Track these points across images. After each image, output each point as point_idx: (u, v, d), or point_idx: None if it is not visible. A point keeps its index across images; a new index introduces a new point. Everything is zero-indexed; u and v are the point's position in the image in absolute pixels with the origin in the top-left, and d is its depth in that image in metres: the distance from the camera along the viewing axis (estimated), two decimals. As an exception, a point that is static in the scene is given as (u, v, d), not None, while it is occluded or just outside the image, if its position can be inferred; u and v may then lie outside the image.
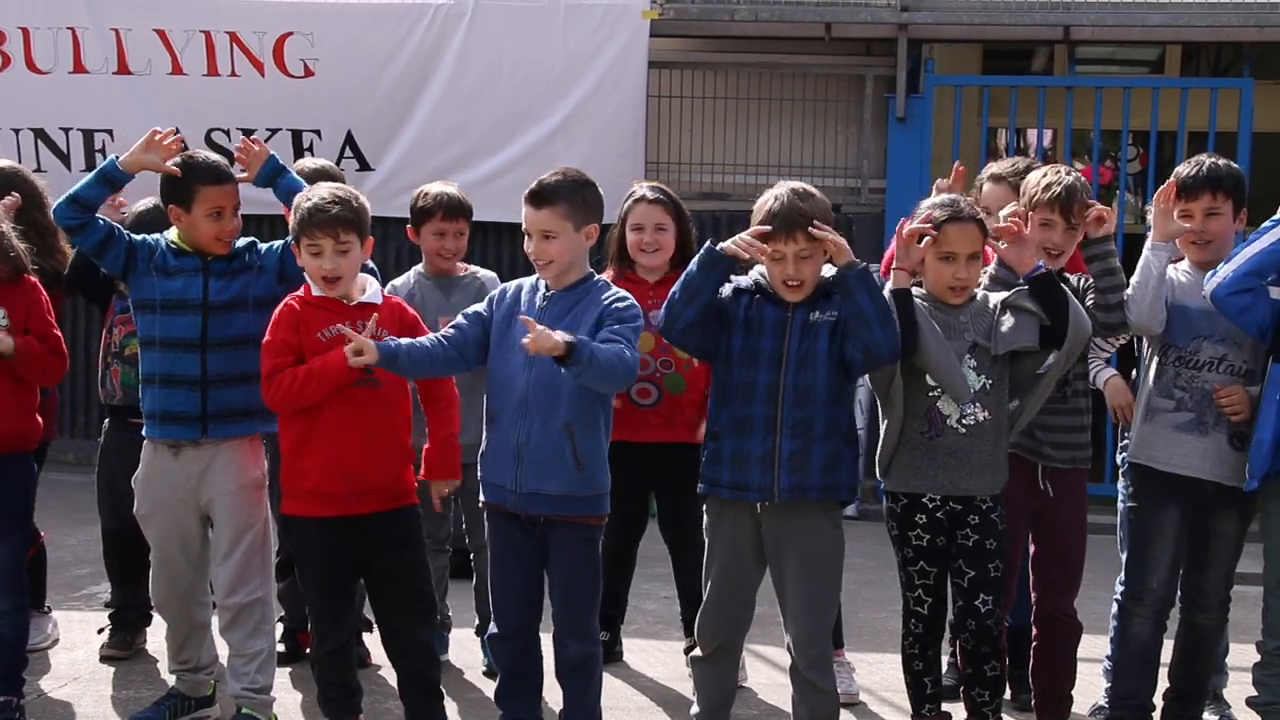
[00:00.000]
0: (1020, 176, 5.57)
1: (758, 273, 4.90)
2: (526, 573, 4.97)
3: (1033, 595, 5.37)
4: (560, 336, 4.61)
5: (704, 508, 5.03)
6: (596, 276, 4.99)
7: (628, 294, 4.94)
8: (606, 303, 4.84)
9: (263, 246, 5.33)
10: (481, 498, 5.04)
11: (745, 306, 4.86)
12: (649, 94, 10.20)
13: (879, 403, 5.12)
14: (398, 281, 6.15)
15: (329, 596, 5.09)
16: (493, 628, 5.05)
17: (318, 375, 4.88)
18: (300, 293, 5.03)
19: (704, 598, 5.06)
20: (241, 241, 5.32)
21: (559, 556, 4.91)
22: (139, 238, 5.29)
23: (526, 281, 5.02)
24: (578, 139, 9.99)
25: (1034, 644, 5.37)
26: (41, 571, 6.29)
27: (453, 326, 5.00)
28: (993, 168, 5.87)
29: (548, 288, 4.91)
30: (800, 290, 4.78)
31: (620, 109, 10.03)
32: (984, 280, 5.12)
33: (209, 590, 5.45)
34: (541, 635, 5.06)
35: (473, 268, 6.22)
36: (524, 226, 4.95)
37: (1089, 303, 5.09)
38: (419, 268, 6.19)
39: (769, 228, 4.75)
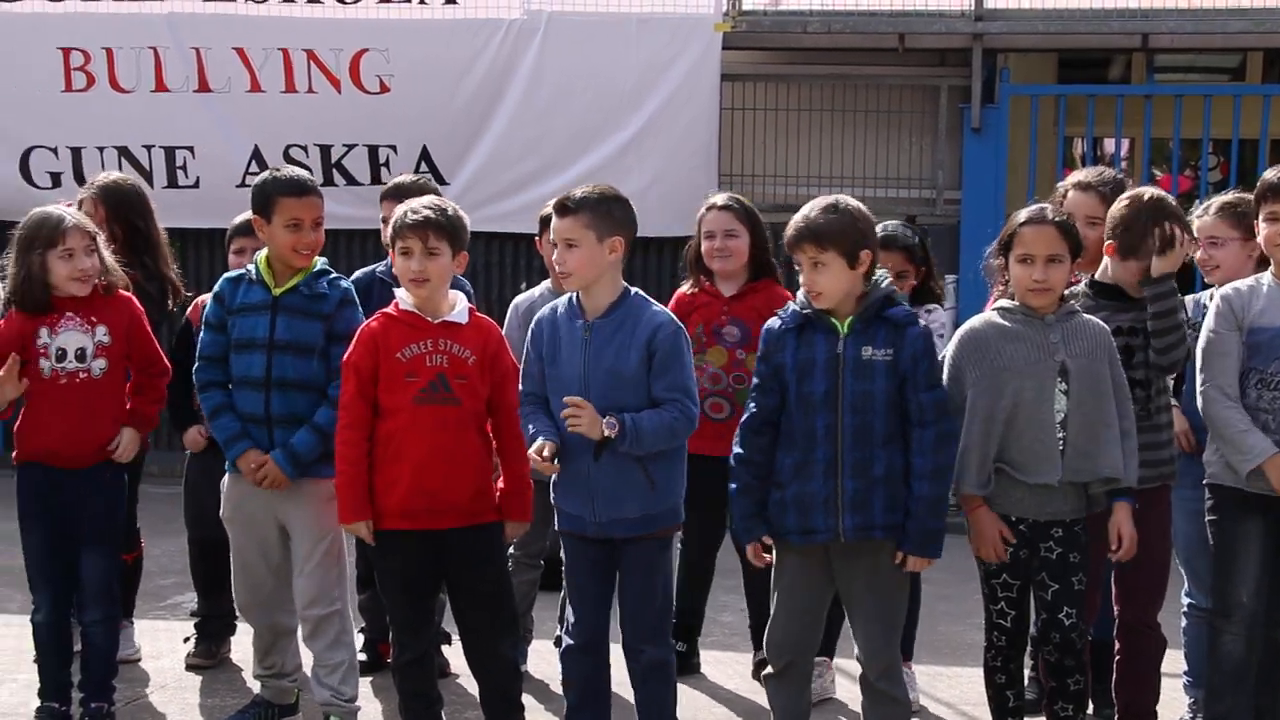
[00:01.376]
0: (1107, 185, 5.52)
1: (801, 294, 4.89)
2: (600, 584, 4.99)
3: (1115, 608, 5.32)
4: (604, 426, 4.68)
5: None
6: (634, 292, 4.98)
7: (673, 316, 4.94)
8: (650, 337, 4.82)
9: (337, 291, 5.34)
10: (557, 524, 5.06)
11: (794, 350, 4.81)
12: (722, 106, 10.21)
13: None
14: (521, 297, 6.18)
15: (410, 608, 5.13)
16: (567, 640, 5.06)
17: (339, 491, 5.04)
18: (389, 309, 5.09)
19: (771, 614, 5.06)
20: (320, 261, 5.37)
21: (632, 563, 4.92)
22: (211, 308, 5.39)
23: (561, 305, 5.01)
24: (650, 152, 10.02)
25: (1117, 657, 5.33)
26: (135, 581, 6.38)
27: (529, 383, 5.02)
28: (1078, 175, 5.82)
29: (584, 313, 4.90)
30: (821, 300, 4.77)
31: (693, 122, 10.05)
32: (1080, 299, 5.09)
33: (292, 598, 5.51)
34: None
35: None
36: (551, 236, 5.01)
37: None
38: (547, 282, 6.20)
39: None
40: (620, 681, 5.08)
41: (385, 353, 5.00)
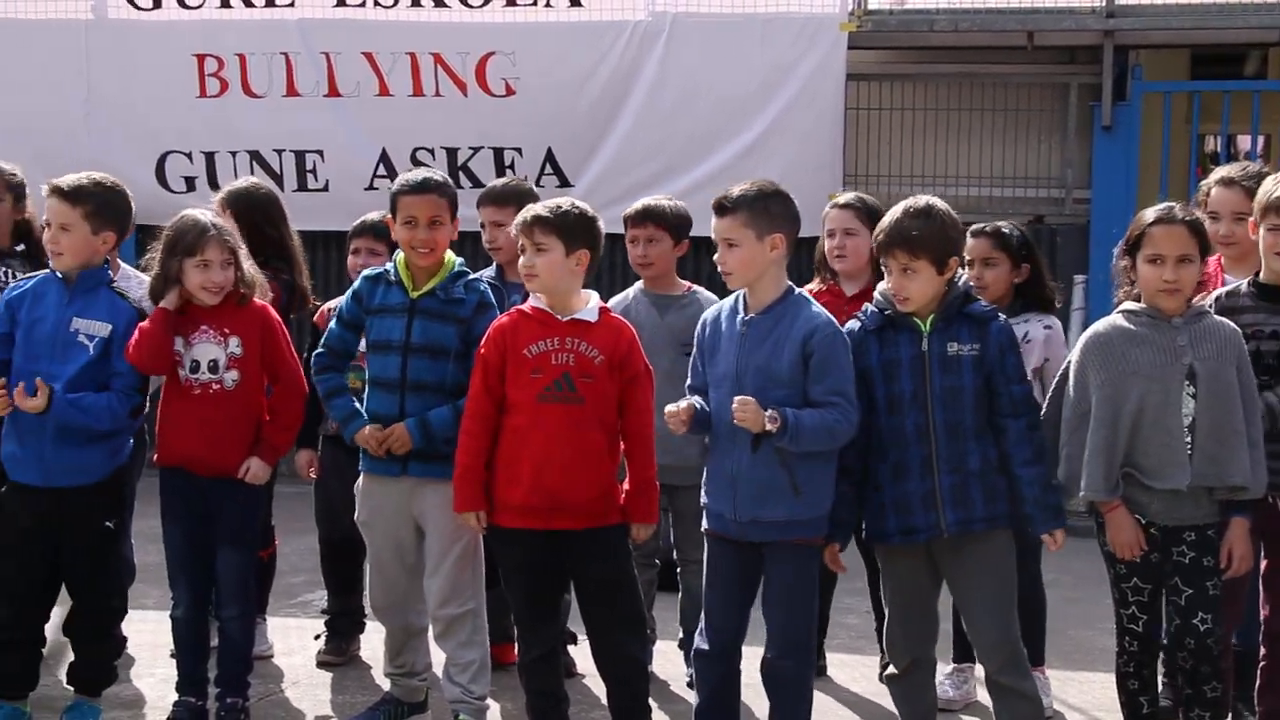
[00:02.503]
0: (1251, 179, 5.40)
1: (879, 295, 4.86)
2: (742, 590, 4.97)
3: (1262, 612, 5.19)
4: (768, 420, 4.65)
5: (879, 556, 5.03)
6: (796, 291, 4.96)
7: (830, 318, 4.90)
8: (808, 336, 4.79)
9: (474, 295, 5.37)
10: (704, 524, 5.05)
11: (878, 351, 4.81)
12: (847, 106, 10.15)
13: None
14: (616, 298, 6.21)
15: (533, 606, 5.16)
16: (700, 643, 5.03)
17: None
18: (524, 305, 5.13)
19: (886, 616, 5.03)
20: (457, 263, 5.41)
21: (777, 575, 4.89)
22: (347, 303, 5.45)
23: (727, 304, 5.03)
24: (775, 153, 9.97)
25: (1261, 663, 5.21)
26: (269, 579, 6.49)
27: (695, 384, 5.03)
28: (1222, 171, 5.69)
29: (746, 309, 4.90)
30: (908, 304, 4.75)
31: (818, 122, 10.00)
32: (1209, 301, 4.99)
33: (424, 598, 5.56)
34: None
35: (696, 289, 6.16)
36: (714, 236, 5.00)
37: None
38: (640, 284, 6.22)
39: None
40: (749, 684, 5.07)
41: (513, 348, 5.03)
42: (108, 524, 5.43)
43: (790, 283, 4.95)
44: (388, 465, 5.32)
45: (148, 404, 5.56)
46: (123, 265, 6.32)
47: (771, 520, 4.81)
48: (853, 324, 4.90)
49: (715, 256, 4.94)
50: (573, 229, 5.03)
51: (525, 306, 5.12)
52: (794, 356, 4.78)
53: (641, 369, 5.09)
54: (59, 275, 5.37)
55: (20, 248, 6.17)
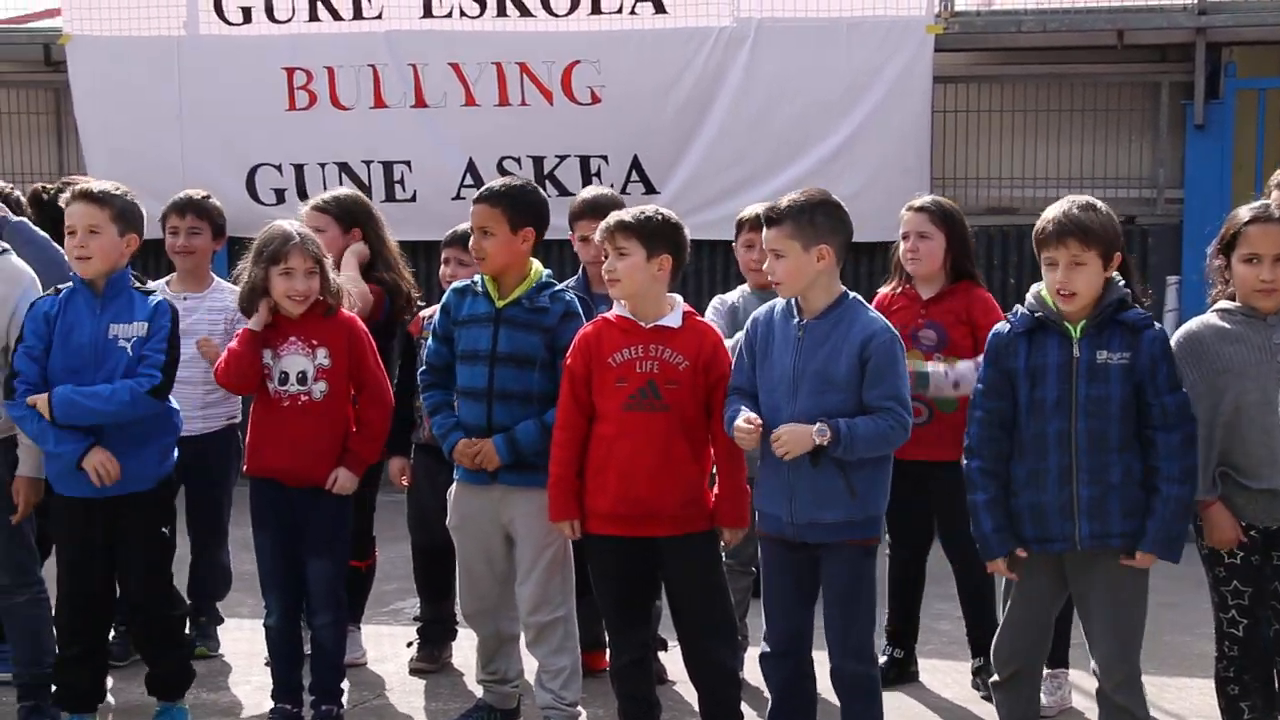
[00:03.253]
0: None
1: (1032, 297, 4.80)
2: (801, 592, 4.96)
3: None
4: (815, 434, 4.64)
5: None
6: (851, 296, 4.94)
7: (887, 324, 4.88)
8: (865, 341, 4.78)
9: (559, 305, 5.37)
10: (758, 526, 5.05)
11: (1026, 355, 4.75)
12: (934, 109, 10.08)
13: None
14: (725, 296, 6.23)
15: (624, 611, 5.18)
16: (764, 645, 5.04)
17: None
18: (608, 314, 5.15)
19: (1000, 620, 4.98)
20: (544, 273, 5.43)
21: (835, 576, 4.89)
22: (439, 319, 5.49)
23: (779, 304, 5.01)
24: (861, 157, 9.92)
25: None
26: (366, 588, 6.54)
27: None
28: None
29: (800, 313, 4.89)
30: (1074, 301, 4.67)
31: (904, 125, 9.93)
32: None
33: (516, 605, 5.58)
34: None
35: (752, 316, 6.15)
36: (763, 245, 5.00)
37: None
38: (747, 285, 6.23)
39: None
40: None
41: (598, 357, 5.06)
42: (163, 530, 5.45)
43: (844, 287, 4.94)
44: (478, 475, 5.36)
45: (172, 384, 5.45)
46: (215, 278, 6.44)
47: (829, 522, 4.80)
48: (1001, 325, 4.87)
49: (765, 265, 4.96)
50: (655, 234, 5.05)
51: (609, 315, 5.14)
52: (851, 361, 4.77)
53: (728, 372, 5.08)
54: (85, 284, 5.34)
55: None
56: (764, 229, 4.93)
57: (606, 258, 5.09)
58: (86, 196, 5.33)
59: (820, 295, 4.87)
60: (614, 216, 5.10)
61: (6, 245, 5.55)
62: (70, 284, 5.38)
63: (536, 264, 5.44)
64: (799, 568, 4.94)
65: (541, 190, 5.57)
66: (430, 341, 5.55)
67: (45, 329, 5.29)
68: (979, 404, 4.82)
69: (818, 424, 4.68)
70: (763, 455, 4.92)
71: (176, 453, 5.55)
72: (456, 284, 5.56)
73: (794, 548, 4.91)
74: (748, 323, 5.09)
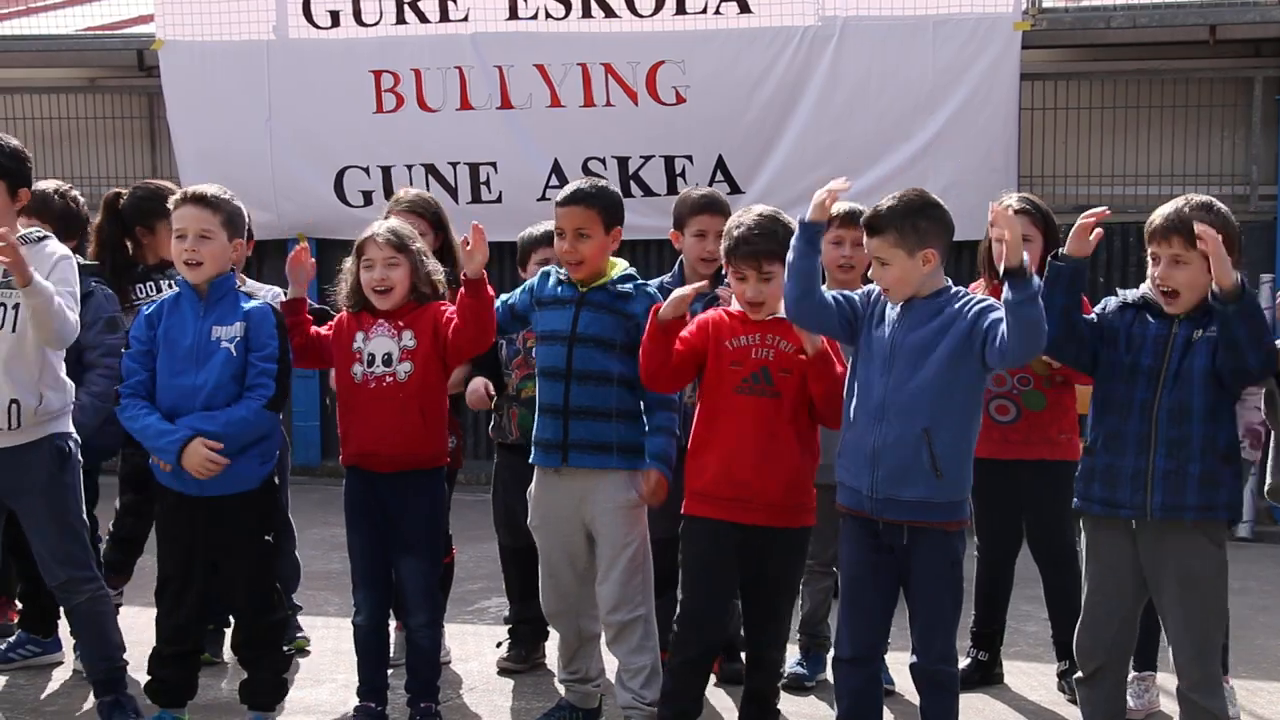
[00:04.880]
0: None
1: (1145, 287, 4.78)
2: (882, 594, 4.92)
3: None
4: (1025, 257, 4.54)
5: (1080, 523, 4.93)
6: (954, 289, 4.92)
7: (995, 303, 4.84)
8: (969, 307, 4.75)
9: (645, 298, 5.37)
10: (838, 499, 5.02)
11: (1129, 323, 4.75)
12: (1021, 106, 9.99)
13: (1270, 421, 4.90)
14: None
15: (705, 599, 5.16)
16: (838, 650, 5.00)
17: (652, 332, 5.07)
18: (724, 308, 5.22)
19: (1081, 616, 4.93)
20: (623, 266, 5.45)
21: (922, 575, 4.84)
22: (520, 295, 5.53)
23: (876, 289, 5.00)
24: (948, 155, 9.87)
25: None
26: (447, 587, 6.57)
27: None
28: None
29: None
30: (1177, 302, 4.63)
31: (991, 123, 9.86)
32: None
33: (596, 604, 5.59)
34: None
35: (869, 287, 6.12)
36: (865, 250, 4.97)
37: None
38: (825, 285, 6.18)
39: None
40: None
41: (715, 338, 5.11)
42: (266, 538, 5.45)
43: (948, 279, 4.92)
44: (548, 457, 5.40)
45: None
46: (246, 279, 6.45)
47: (909, 500, 4.76)
48: (1110, 299, 4.88)
49: (870, 271, 4.93)
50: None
51: (725, 310, 5.18)
52: (964, 328, 4.71)
53: (845, 368, 5.09)
54: (191, 288, 5.36)
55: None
56: (866, 236, 4.90)
57: (745, 280, 5.08)
58: (198, 200, 5.33)
59: (925, 291, 4.87)
60: (751, 246, 5.06)
61: (46, 232, 5.58)
62: (176, 289, 5.46)
63: (619, 260, 5.49)
64: (884, 569, 4.89)
65: (623, 191, 5.60)
66: (500, 309, 5.49)
67: (148, 333, 5.33)
68: None
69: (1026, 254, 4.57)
70: (850, 425, 4.90)
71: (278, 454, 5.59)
72: (545, 267, 5.61)
73: (879, 545, 4.87)
74: (861, 290, 5.05)
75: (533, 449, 5.49)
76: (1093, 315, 4.89)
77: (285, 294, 5.69)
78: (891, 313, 4.86)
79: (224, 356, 5.27)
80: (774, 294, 5.08)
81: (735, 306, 5.17)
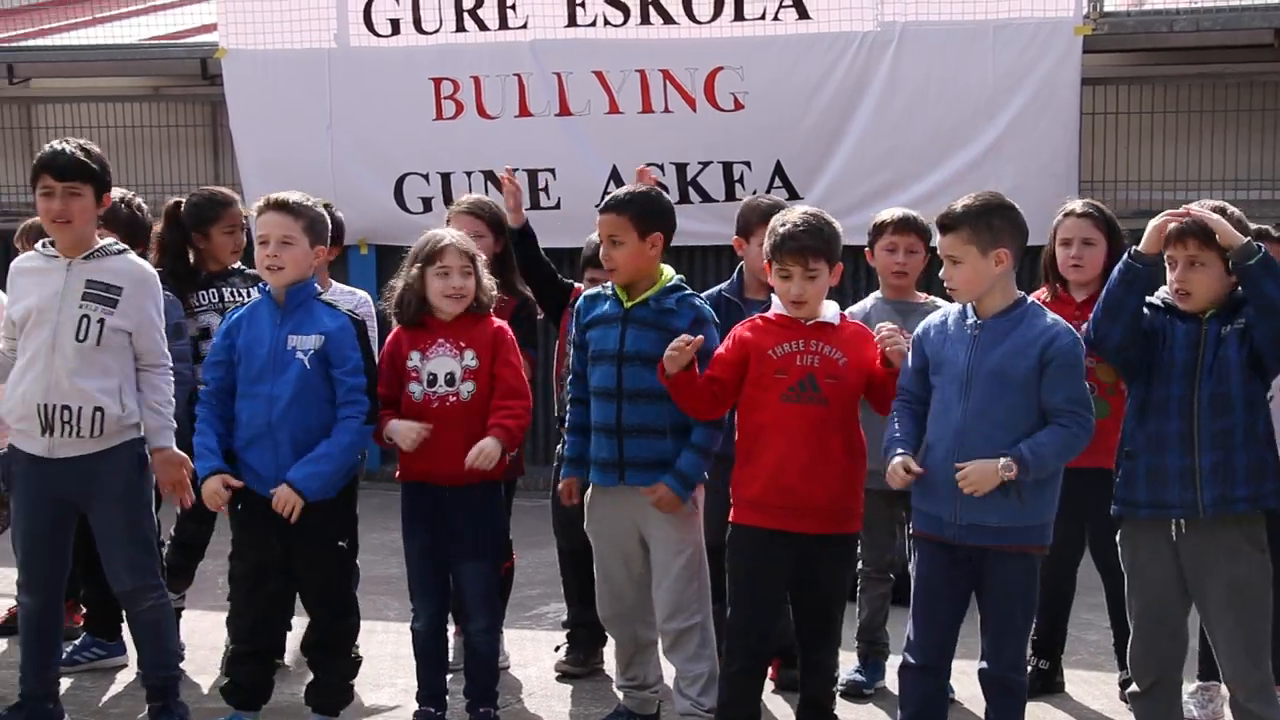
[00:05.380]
0: None
1: (1163, 291, 4.76)
2: (954, 605, 4.91)
3: None
4: (1001, 470, 4.61)
5: (1119, 534, 4.90)
6: (1029, 300, 4.91)
7: (1069, 326, 4.83)
8: (1048, 343, 4.74)
9: (689, 310, 5.37)
10: (911, 526, 5.01)
11: (1155, 323, 4.75)
12: (1083, 111, 9.92)
13: None
14: (854, 308, 6.18)
15: (753, 606, 5.16)
16: (907, 656, 4.98)
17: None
18: (767, 313, 5.19)
19: (1131, 631, 4.90)
20: (674, 277, 5.46)
21: (997, 585, 4.82)
22: (574, 355, 5.56)
23: (953, 309, 4.99)
24: (1008, 160, 9.80)
25: None
26: (506, 592, 6.59)
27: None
28: None
29: (976, 314, 4.86)
30: (1189, 301, 4.63)
31: (1051, 128, 9.79)
32: None
33: (653, 610, 5.59)
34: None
35: (933, 297, 6.07)
36: (939, 251, 4.95)
37: None
38: (878, 293, 6.18)
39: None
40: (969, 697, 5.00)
41: (757, 349, 5.10)
42: (340, 544, 5.51)
43: (1021, 291, 4.89)
44: (605, 475, 5.41)
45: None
46: (334, 283, 6.51)
47: (993, 526, 4.74)
48: None
49: (941, 272, 4.90)
50: (836, 249, 5.12)
51: (768, 314, 5.17)
52: (1031, 364, 4.73)
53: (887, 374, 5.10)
54: (270, 295, 5.47)
55: (238, 266, 6.46)
56: (939, 235, 4.89)
57: (790, 278, 5.08)
58: (281, 207, 5.42)
59: (997, 298, 4.84)
60: (799, 242, 5.06)
61: (124, 245, 5.67)
62: (258, 295, 5.58)
63: (668, 269, 5.47)
64: (959, 579, 4.88)
65: (668, 196, 5.59)
66: (571, 351, 5.60)
67: (226, 340, 5.46)
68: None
69: (1002, 460, 4.64)
70: (929, 452, 4.89)
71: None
72: (588, 291, 5.61)
73: (953, 551, 4.86)
74: (919, 328, 5.06)
75: (590, 468, 5.51)
76: None
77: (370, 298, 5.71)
78: (965, 330, 4.83)
79: (298, 369, 5.35)
80: (816, 293, 5.07)
81: (775, 310, 5.14)
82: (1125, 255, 4.74)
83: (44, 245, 5.51)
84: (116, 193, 5.97)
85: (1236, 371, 4.62)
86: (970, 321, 4.84)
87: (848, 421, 5.09)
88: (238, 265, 6.48)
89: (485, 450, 5.34)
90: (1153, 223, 4.70)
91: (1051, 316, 4.86)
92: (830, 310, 5.15)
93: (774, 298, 5.22)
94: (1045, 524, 4.83)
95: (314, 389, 5.36)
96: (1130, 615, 4.92)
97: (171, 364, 5.58)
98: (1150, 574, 4.80)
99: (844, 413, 5.07)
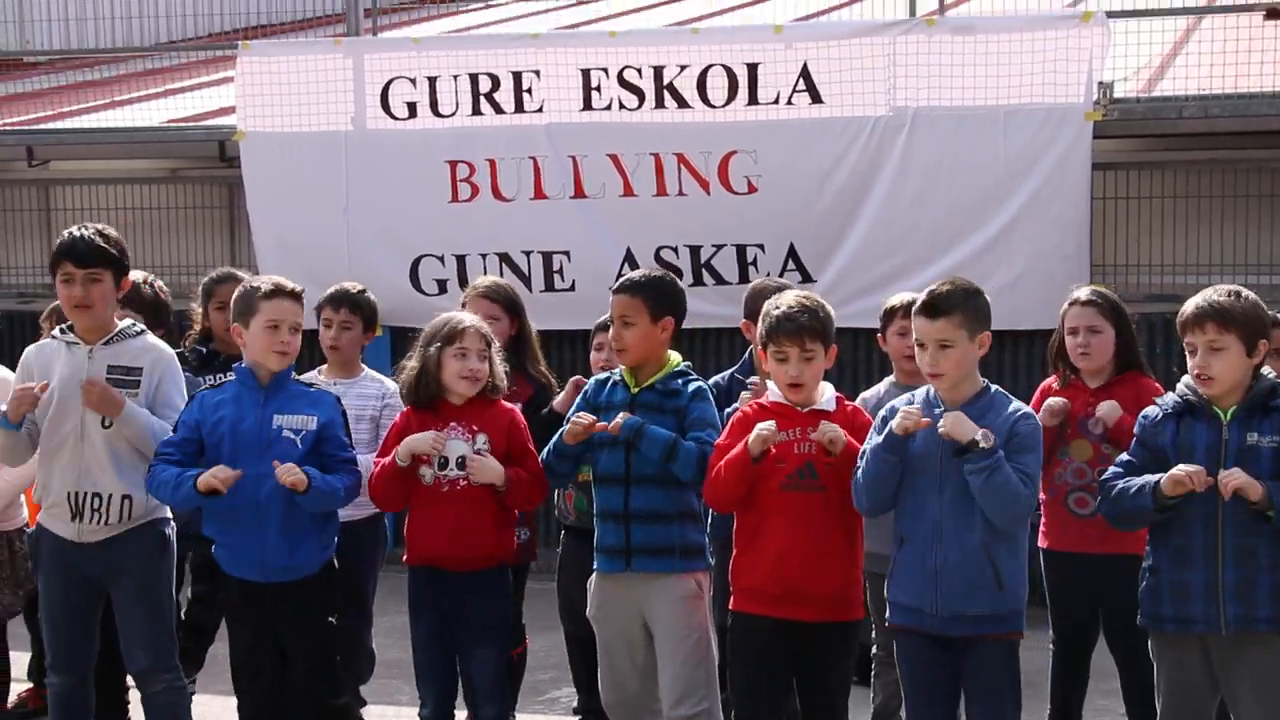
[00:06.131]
0: None
1: (1183, 384, 4.76)
2: (944, 691, 4.91)
3: None
4: (980, 435, 4.63)
5: (1150, 641, 4.89)
6: (994, 389, 4.94)
7: (1031, 411, 4.88)
8: (1014, 422, 4.79)
9: (691, 387, 5.42)
10: (889, 619, 5.01)
11: (1173, 435, 4.73)
12: (1093, 196, 9.97)
13: None
14: (868, 393, 6.21)
15: (757, 696, 5.16)
16: None
17: (725, 466, 5.01)
18: (760, 399, 5.19)
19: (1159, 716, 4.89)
20: (680, 363, 5.48)
21: (981, 673, 4.84)
22: (580, 406, 5.57)
23: (919, 394, 5.01)
24: (1019, 244, 9.84)
25: None
26: (519, 677, 6.57)
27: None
28: None
29: (944, 403, 4.88)
30: (1212, 386, 4.59)
31: (1062, 212, 9.82)
32: None
33: (658, 698, 5.57)
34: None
35: (896, 401, 6.12)
36: (914, 337, 4.97)
37: None
38: (891, 377, 6.21)
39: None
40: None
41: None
42: (330, 619, 5.54)
43: (985, 380, 4.94)
44: (615, 563, 5.41)
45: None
46: (365, 369, 6.57)
47: (975, 614, 4.75)
48: (1151, 409, 4.86)
49: (923, 359, 4.93)
50: (830, 332, 5.16)
51: (763, 400, 5.18)
52: (1000, 445, 4.73)
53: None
54: (252, 375, 5.52)
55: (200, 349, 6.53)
56: (926, 320, 4.90)
57: (786, 361, 5.12)
58: (294, 296, 5.53)
59: (969, 384, 4.88)
60: (798, 323, 5.09)
61: (144, 326, 5.73)
62: (232, 376, 5.62)
63: (674, 354, 5.50)
64: (943, 665, 4.89)
65: (680, 281, 5.64)
66: (566, 426, 5.58)
67: (197, 417, 5.50)
68: (1113, 479, 4.79)
69: (984, 430, 4.66)
70: (906, 543, 4.89)
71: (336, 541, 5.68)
72: (599, 375, 5.64)
73: (935, 643, 4.86)
74: (884, 410, 5.08)
75: (595, 555, 5.50)
76: (1138, 424, 4.87)
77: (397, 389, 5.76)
78: (935, 419, 4.84)
79: (292, 453, 5.42)
80: (814, 375, 5.09)
81: (772, 397, 5.16)
82: (1160, 508, 4.70)
83: (62, 330, 5.57)
84: (137, 274, 6.04)
85: (1266, 484, 4.57)
86: (939, 410, 4.86)
87: (846, 506, 5.09)
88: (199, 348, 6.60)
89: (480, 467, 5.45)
90: None
91: (1017, 403, 4.91)
92: (826, 395, 5.16)
93: (769, 384, 5.24)
94: (1020, 610, 4.88)
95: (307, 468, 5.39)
96: (1161, 710, 4.89)
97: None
98: (1180, 676, 4.80)
99: (842, 498, 5.07)
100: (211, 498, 5.31)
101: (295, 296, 5.52)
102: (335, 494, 5.43)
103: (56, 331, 5.62)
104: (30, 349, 5.68)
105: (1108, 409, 5.72)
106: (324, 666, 5.57)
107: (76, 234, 5.50)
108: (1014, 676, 4.88)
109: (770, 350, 5.14)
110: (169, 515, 5.69)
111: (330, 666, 5.60)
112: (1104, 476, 4.94)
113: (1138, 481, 4.73)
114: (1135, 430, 4.90)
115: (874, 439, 4.92)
